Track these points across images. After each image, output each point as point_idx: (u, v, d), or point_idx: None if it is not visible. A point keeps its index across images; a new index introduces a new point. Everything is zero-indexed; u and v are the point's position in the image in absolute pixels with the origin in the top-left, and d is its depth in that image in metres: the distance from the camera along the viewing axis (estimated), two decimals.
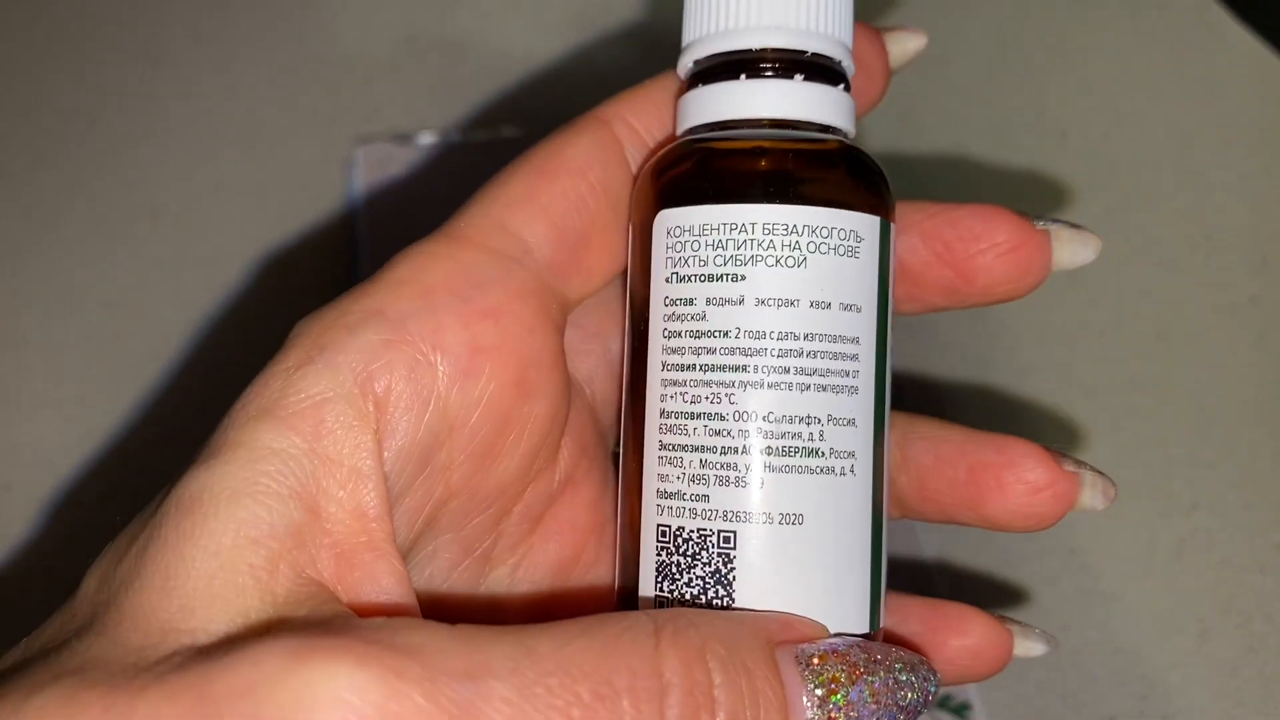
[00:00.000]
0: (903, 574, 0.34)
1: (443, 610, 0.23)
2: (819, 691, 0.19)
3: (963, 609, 0.25)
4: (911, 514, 0.26)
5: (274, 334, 0.22)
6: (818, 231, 0.22)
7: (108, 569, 0.19)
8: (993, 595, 0.36)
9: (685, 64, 0.24)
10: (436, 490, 0.22)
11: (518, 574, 0.24)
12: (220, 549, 0.18)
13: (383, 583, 0.20)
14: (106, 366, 0.39)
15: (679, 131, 0.24)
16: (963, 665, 0.25)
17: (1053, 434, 0.39)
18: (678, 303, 0.22)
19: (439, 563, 0.23)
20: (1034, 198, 0.43)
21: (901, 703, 0.20)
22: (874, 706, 0.20)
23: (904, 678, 0.20)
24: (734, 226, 0.22)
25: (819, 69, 0.23)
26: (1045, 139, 0.44)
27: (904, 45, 0.26)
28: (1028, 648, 0.25)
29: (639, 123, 0.25)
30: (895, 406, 0.26)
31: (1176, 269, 0.41)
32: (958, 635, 0.25)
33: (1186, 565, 0.36)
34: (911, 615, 0.25)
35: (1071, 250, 0.24)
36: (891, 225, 0.23)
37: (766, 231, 0.22)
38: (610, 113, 0.24)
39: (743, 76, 0.23)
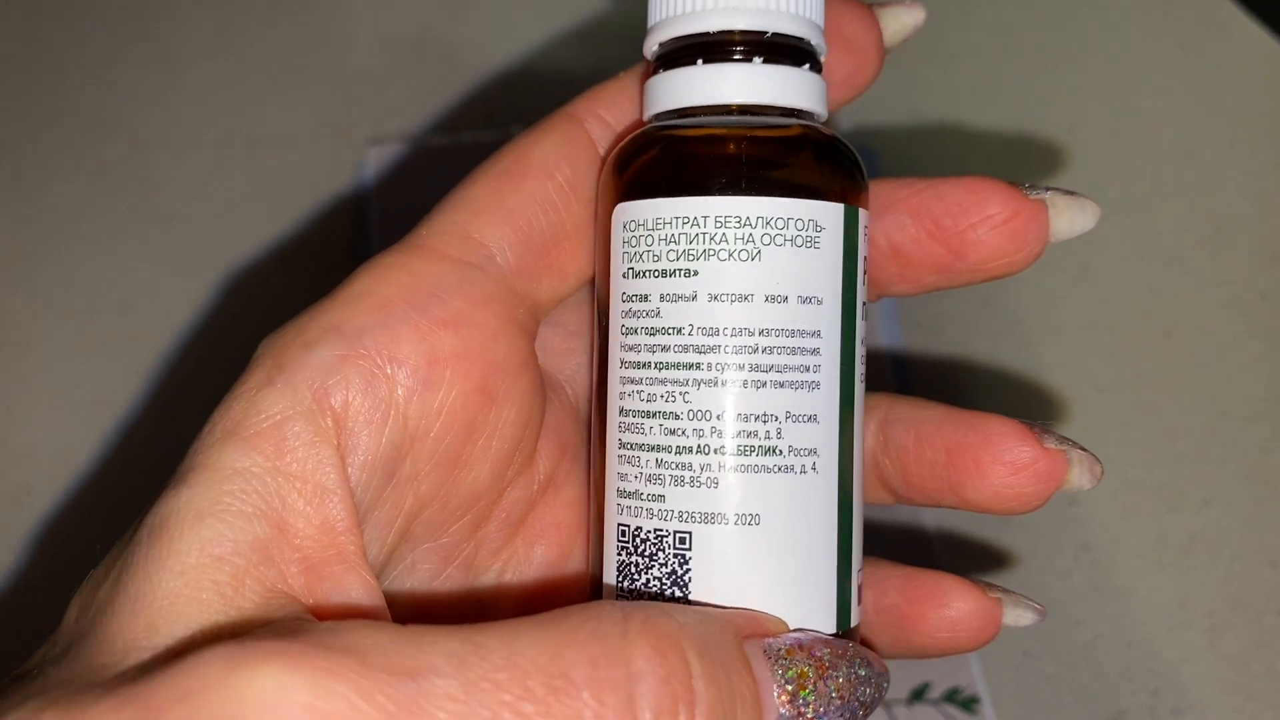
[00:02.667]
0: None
1: (430, 618, 0.23)
2: (789, 686, 0.19)
3: (942, 578, 0.24)
4: (900, 499, 0.25)
5: None
6: (772, 223, 0.21)
7: (87, 597, 0.19)
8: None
9: (650, 47, 0.23)
10: (406, 501, 0.21)
11: (505, 580, 0.24)
12: (185, 569, 0.18)
13: (352, 594, 0.19)
14: (123, 369, 0.39)
15: (644, 118, 0.23)
16: (944, 638, 0.24)
17: (1063, 431, 0.39)
18: (634, 299, 0.22)
19: (419, 574, 0.23)
20: None
21: (862, 699, 0.20)
22: (839, 702, 0.19)
23: (863, 673, 0.20)
24: (686, 220, 0.21)
25: (782, 50, 0.22)
26: (1052, 135, 0.44)
27: (900, 20, 0.25)
28: (1017, 616, 0.24)
29: (612, 116, 0.24)
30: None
31: (1185, 265, 0.41)
32: (937, 607, 0.23)
33: (1197, 560, 0.36)
34: (890, 587, 0.24)
35: (1069, 218, 0.23)
36: (861, 211, 0.22)
37: (719, 224, 0.21)
38: (582, 108, 0.24)
39: (700, 61, 0.22)
